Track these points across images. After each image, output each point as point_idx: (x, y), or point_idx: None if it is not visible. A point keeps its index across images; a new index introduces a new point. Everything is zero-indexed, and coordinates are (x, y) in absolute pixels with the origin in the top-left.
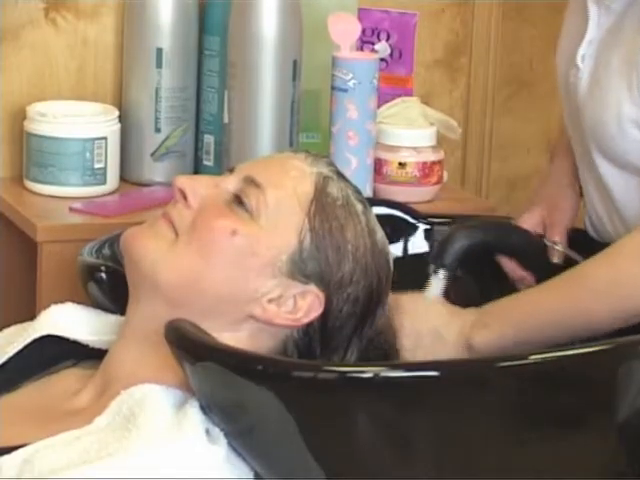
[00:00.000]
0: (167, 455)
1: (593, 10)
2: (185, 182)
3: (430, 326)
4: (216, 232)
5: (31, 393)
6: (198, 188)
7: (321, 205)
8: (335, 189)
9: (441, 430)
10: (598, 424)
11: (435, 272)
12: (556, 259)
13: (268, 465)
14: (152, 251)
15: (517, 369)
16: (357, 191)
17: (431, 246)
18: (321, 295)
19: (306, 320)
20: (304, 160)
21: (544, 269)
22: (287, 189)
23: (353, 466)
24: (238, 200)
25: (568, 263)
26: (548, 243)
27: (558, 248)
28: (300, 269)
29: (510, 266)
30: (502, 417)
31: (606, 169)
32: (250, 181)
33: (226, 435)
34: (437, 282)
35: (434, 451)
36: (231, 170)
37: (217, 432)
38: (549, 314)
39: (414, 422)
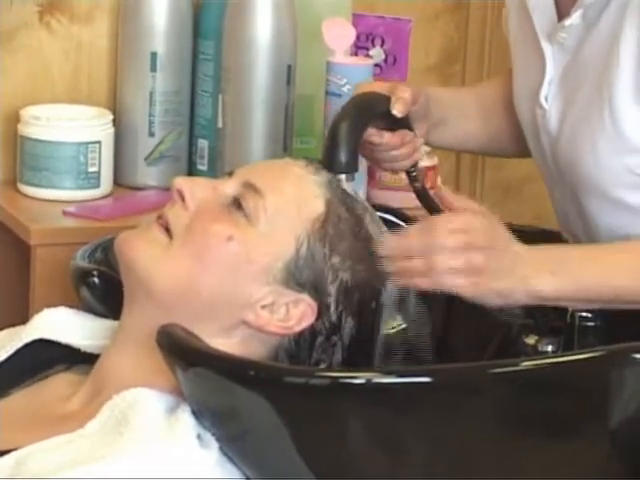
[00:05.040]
0: (159, 459)
1: (548, 50)
2: (184, 183)
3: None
4: (212, 237)
5: (23, 397)
6: (196, 190)
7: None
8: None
9: (433, 436)
10: (591, 431)
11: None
12: (398, 112)
13: (259, 470)
14: (145, 256)
15: (510, 375)
16: (356, 199)
17: None
18: (314, 304)
19: (298, 328)
20: (304, 167)
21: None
22: (287, 196)
23: (344, 471)
24: (237, 204)
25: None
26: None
27: (402, 95)
28: (294, 277)
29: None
30: (495, 423)
31: (589, 202)
32: (249, 186)
33: (218, 440)
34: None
35: (426, 457)
36: (230, 174)
37: (209, 437)
38: (618, 283)
39: (406, 428)
